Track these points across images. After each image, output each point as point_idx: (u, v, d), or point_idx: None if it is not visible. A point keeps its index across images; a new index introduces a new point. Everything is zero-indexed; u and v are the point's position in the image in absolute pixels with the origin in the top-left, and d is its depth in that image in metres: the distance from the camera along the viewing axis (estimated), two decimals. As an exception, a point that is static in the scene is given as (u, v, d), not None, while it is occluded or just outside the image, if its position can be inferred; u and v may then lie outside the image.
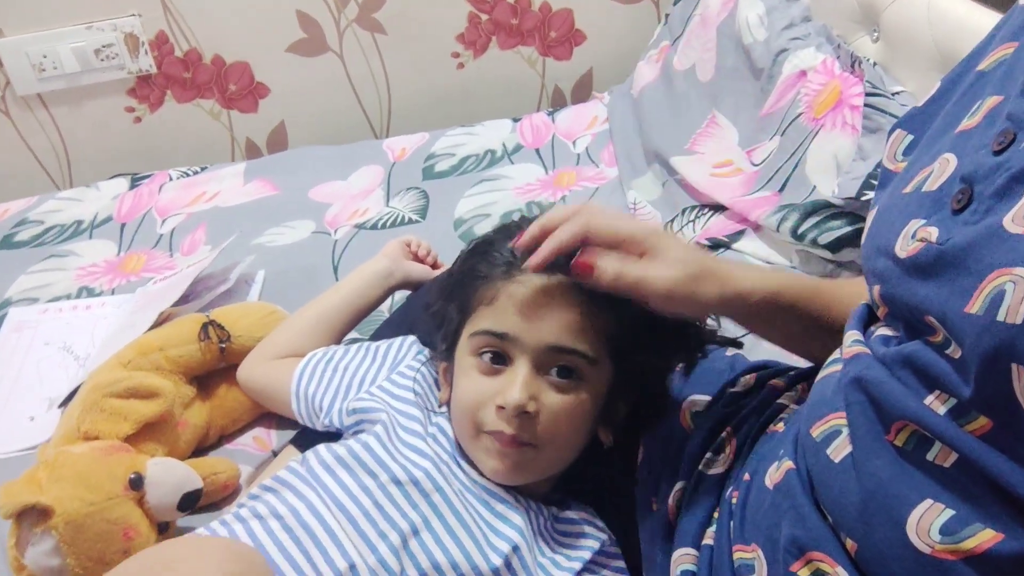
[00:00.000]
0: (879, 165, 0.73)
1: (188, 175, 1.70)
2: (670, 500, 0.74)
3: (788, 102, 1.27)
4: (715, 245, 1.25)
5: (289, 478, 0.79)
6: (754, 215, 1.21)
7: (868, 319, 0.66)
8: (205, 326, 1.06)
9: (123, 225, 1.58)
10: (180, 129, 1.90)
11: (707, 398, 0.79)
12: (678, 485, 0.74)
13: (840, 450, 0.58)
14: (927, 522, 0.51)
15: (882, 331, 0.62)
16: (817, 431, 0.60)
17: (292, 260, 1.42)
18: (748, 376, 0.81)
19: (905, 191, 0.62)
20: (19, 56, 1.74)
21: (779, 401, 0.77)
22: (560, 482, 0.83)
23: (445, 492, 0.76)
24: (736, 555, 0.65)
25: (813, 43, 1.29)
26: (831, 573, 0.57)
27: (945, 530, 0.50)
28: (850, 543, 0.56)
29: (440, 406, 0.85)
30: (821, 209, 1.11)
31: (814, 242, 1.11)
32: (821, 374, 0.66)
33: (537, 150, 1.66)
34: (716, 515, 0.71)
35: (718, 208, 1.31)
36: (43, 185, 1.89)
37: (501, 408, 0.75)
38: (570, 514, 0.80)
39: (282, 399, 0.94)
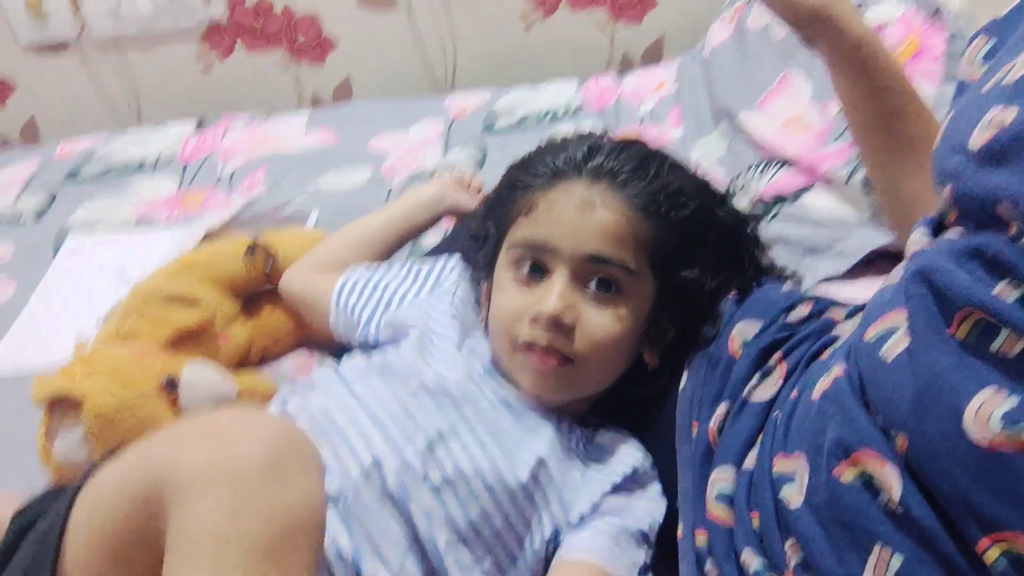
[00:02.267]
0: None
1: (253, 121, 1.71)
2: (712, 423, 0.70)
3: (866, 55, 1.21)
4: (777, 199, 1.19)
5: (321, 380, 0.77)
6: (823, 167, 1.15)
7: (937, 228, 0.61)
8: (252, 247, 1.06)
9: (185, 165, 1.60)
10: (248, 78, 1.91)
11: (759, 325, 0.74)
12: (721, 407, 0.70)
13: (895, 347, 0.53)
14: (988, 409, 0.47)
15: (950, 236, 0.57)
16: (871, 333, 0.56)
17: (346, 202, 1.41)
18: (804, 305, 0.76)
19: (983, 90, 0.57)
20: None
21: (834, 332, 0.72)
22: (598, 404, 0.79)
23: (476, 403, 0.73)
24: (776, 468, 0.61)
25: (895, -5, 1.23)
26: (878, 472, 0.52)
27: (1008, 418, 0.46)
28: (900, 441, 0.52)
29: (480, 322, 0.82)
30: (894, 160, 1.05)
31: (885, 193, 1.05)
32: (880, 287, 0.62)
33: (600, 112, 1.62)
34: (760, 438, 0.67)
35: (784, 163, 1.25)
36: (113, 125, 1.92)
37: (535, 320, 0.71)
38: (605, 436, 0.77)
39: (320, 310, 0.93)
